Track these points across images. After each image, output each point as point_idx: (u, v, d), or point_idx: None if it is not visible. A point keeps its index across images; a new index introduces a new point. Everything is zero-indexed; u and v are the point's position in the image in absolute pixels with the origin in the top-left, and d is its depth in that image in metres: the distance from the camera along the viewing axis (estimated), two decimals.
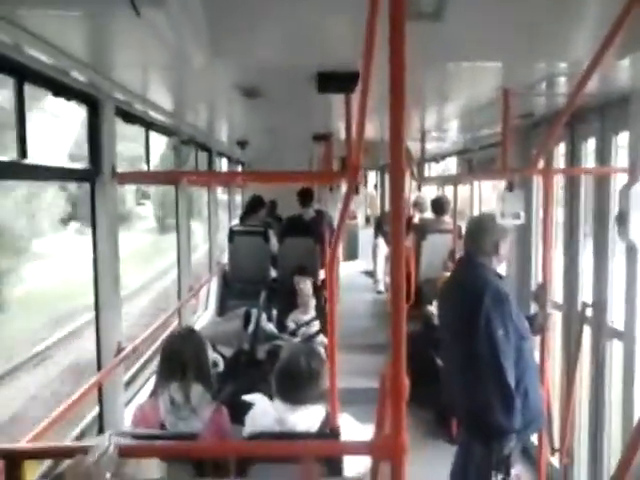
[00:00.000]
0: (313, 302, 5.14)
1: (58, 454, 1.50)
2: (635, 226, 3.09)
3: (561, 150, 4.27)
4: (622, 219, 3.15)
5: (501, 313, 2.96)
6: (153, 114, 3.90)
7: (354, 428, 2.56)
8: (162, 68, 2.79)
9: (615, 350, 3.50)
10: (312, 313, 5.04)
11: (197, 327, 4.74)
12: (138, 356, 3.89)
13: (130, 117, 3.51)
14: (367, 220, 13.80)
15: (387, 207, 12.70)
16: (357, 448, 1.44)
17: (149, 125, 3.97)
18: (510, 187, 3.46)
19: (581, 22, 2.21)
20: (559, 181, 4.11)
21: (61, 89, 2.58)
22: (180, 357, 2.52)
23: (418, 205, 8.02)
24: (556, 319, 3.93)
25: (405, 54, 1.17)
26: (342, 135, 3.58)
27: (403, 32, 1.16)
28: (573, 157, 4.03)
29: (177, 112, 4.24)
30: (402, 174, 1.26)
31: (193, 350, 2.57)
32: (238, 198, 9.04)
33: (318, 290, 5.37)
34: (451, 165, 8.55)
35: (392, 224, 1.24)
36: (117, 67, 2.70)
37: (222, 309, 5.88)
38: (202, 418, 2.42)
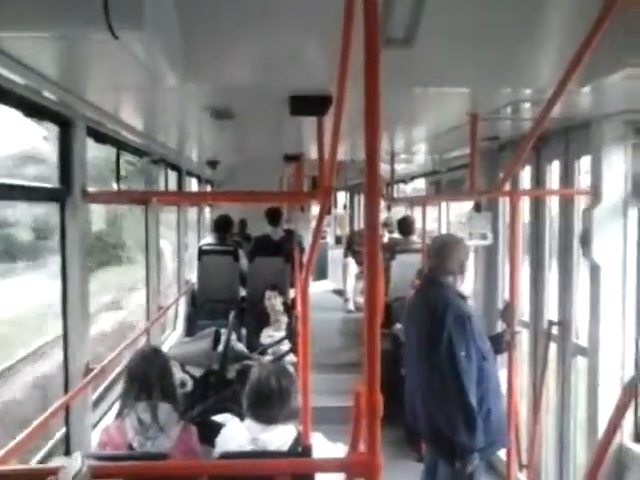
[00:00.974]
0: (284, 320, 5.14)
1: (28, 476, 1.47)
2: (598, 246, 3.20)
3: (527, 172, 4.39)
4: (585, 239, 3.25)
5: (463, 334, 3.02)
6: (124, 134, 3.89)
7: (325, 446, 2.56)
8: (135, 89, 2.80)
9: (580, 366, 3.59)
10: (282, 332, 5.03)
11: (165, 347, 4.70)
12: (106, 377, 3.82)
13: (101, 137, 3.50)
14: (337, 240, 13.86)
15: (357, 227, 12.81)
16: (332, 465, 1.45)
17: (120, 145, 3.96)
18: (477, 208, 3.54)
19: (545, 51, 2.32)
20: (525, 202, 4.22)
21: (33, 109, 2.57)
22: (145, 376, 2.52)
23: (387, 225, 8.12)
24: (523, 337, 4.01)
25: (379, 79, 1.21)
26: (313, 155, 3.64)
27: (378, 58, 1.20)
28: (539, 179, 4.15)
29: (148, 132, 4.23)
30: (378, 195, 1.29)
31: (158, 369, 2.57)
32: (207, 217, 9.01)
33: (289, 309, 5.37)
34: (420, 186, 8.67)
35: (367, 244, 1.27)
36: (90, 88, 2.70)
37: (191, 329, 5.82)
38: (170, 437, 2.41)
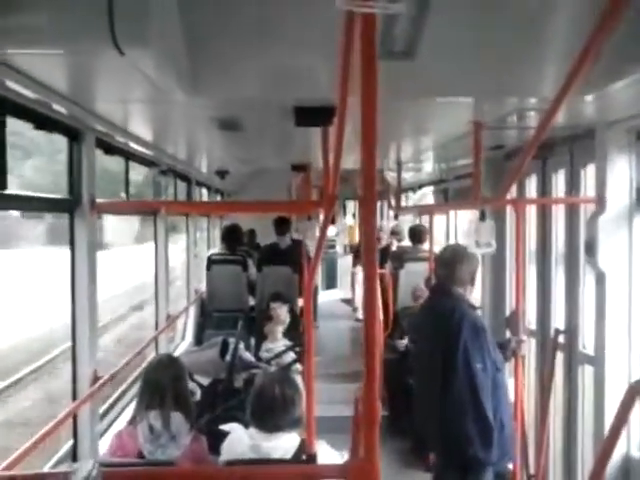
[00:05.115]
0: (279, 329, 5.09)
1: None
2: (603, 254, 3.20)
3: (534, 181, 4.41)
4: (590, 248, 3.26)
5: (479, 346, 3.00)
6: (133, 145, 3.95)
7: (330, 455, 2.57)
8: (143, 103, 2.85)
9: (587, 375, 3.58)
10: (280, 341, 5.01)
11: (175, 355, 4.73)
12: (114, 386, 3.86)
13: (110, 149, 3.56)
14: (346, 249, 13.90)
15: None
16: (331, 472, 1.47)
17: (129, 156, 4.02)
18: (482, 217, 3.56)
19: (547, 59, 2.33)
20: (531, 211, 4.23)
21: (43, 121, 2.62)
22: (160, 385, 2.53)
23: (396, 234, 8.13)
24: (529, 345, 4.00)
25: (376, 91, 1.24)
26: (320, 165, 3.67)
27: (375, 70, 1.23)
28: (544, 188, 4.16)
29: (157, 144, 4.29)
30: (374, 204, 1.31)
31: (173, 378, 2.58)
32: (217, 226, 9.07)
33: (296, 318, 5.38)
34: (428, 194, 8.69)
35: (364, 252, 1.29)
36: (99, 101, 2.76)
37: (200, 338, 5.85)
38: (181, 446, 2.43)
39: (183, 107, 2.81)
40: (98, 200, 3.16)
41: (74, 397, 3.05)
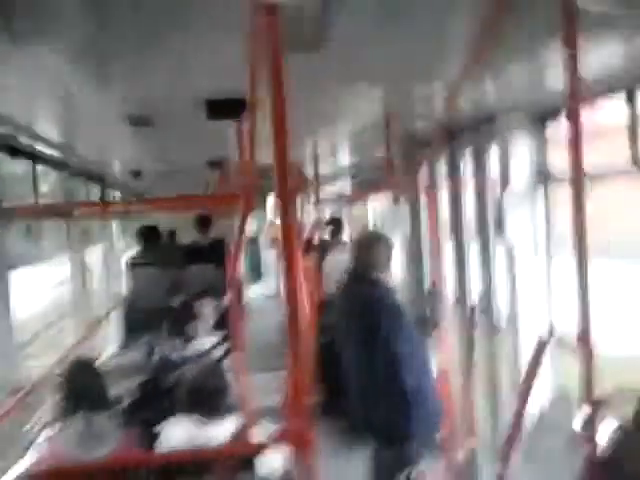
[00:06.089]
0: (205, 327, 5.06)
1: None
2: (510, 229, 3.41)
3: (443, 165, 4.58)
4: (499, 224, 3.46)
5: (399, 328, 3.11)
6: (41, 147, 3.80)
7: (271, 428, 2.59)
8: (46, 98, 2.75)
9: (504, 344, 3.78)
10: (213, 338, 4.98)
11: (100, 360, 4.62)
12: (38, 396, 3.72)
13: (16, 151, 3.42)
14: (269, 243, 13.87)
15: None
16: (264, 443, 1.51)
17: (36, 158, 3.87)
18: (396, 201, 3.69)
19: (450, 46, 2.43)
20: (443, 192, 4.40)
21: None
22: (78, 388, 2.50)
23: (317, 226, 8.21)
24: (449, 320, 4.19)
25: (284, 83, 1.28)
26: (237, 160, 3.67)
27: (281, 62, 1.27)
28: (453, 171, 4.35)
29: (66, 144, 4.15)
30: (289, 196, 1.36)
31: (90, 379, 2.56)
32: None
33: (225, 314, 5.35)
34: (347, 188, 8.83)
35: (283, 244, 1.33)
36: (0, 99, 2.65)
37: (125, 341, 5.73)
38: (110, 446, 2.40)
39: (92, 103, 2.75)
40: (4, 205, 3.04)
41: None
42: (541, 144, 3.43)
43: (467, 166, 4.22)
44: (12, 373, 3.02)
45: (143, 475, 1.97)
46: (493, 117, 3.56)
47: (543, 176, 3.43)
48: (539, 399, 3.03)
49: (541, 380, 2.73)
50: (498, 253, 3.79)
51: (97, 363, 2.80)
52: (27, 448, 3.06)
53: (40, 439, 3.23)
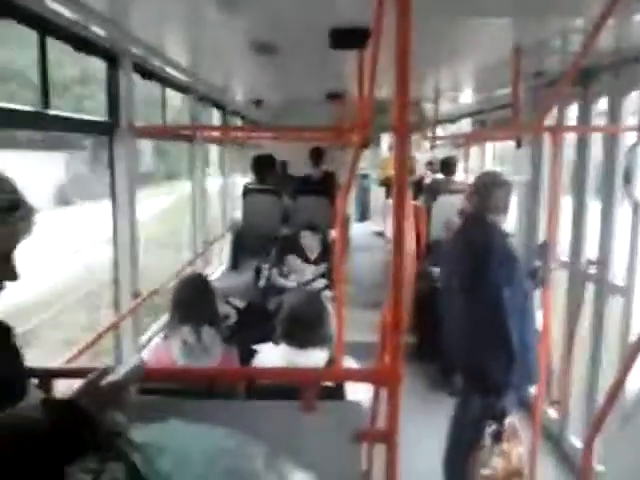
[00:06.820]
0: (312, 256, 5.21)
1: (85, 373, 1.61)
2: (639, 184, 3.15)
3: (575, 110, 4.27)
4: (628, 178, 3.20)
5: (508, 274, 3.02)
6: (169, 71, 3.96)
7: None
8: (177, 23, 2.85)
9: (616, 306, 3.59)
10: (317, 269, 5.11)
11: (211, 279, 4.89)
12: (153, 303, 4.03)
13: (147, 73, 3.58)
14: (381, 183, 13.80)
15: None
16: (357, 375, 1.56)
17: (165, 81, 4.04)
18: (519, 144, 3.50)
19: None
20: (570, 139, 4.13)
21: (81, 44, 2.66)
22: (190, 301, 2.65)
23: (431, 165, 8.04)
24: (559, 275, 4.01)
25: (411, 9, 1.22)
26: (356, 94, 3.62)
27: None
28: (584, 116, 4.05)
29: (192, 69, 4.29)
30: (406, 131, 1.32)
31: (202, 294, 2.70)
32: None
33: (328, 248, 5.47)
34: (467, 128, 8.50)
35: (395, 180, 1.31)
36: (134, 21, 2.77)
37: (235, 263, 6.02)
38: (214, 358, 2.55)
39: (217, 27, 2.80)
40: (136, 124, 3.22)
41: (116, 312, 3.23)
42: None
43: (600, 111, 3.91)
44: (135, 282, 3.27)
45: (238, 390, 2.09)
46: (637, 59, 3.23)
47: None
48: None
49: None
50: (622, 208, 3.54)
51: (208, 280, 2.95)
52: (141, 349, 3.36)
53: (152, 343, 3.54)
